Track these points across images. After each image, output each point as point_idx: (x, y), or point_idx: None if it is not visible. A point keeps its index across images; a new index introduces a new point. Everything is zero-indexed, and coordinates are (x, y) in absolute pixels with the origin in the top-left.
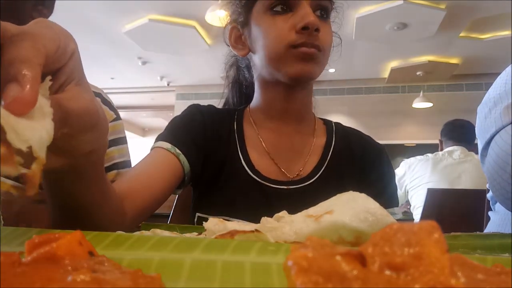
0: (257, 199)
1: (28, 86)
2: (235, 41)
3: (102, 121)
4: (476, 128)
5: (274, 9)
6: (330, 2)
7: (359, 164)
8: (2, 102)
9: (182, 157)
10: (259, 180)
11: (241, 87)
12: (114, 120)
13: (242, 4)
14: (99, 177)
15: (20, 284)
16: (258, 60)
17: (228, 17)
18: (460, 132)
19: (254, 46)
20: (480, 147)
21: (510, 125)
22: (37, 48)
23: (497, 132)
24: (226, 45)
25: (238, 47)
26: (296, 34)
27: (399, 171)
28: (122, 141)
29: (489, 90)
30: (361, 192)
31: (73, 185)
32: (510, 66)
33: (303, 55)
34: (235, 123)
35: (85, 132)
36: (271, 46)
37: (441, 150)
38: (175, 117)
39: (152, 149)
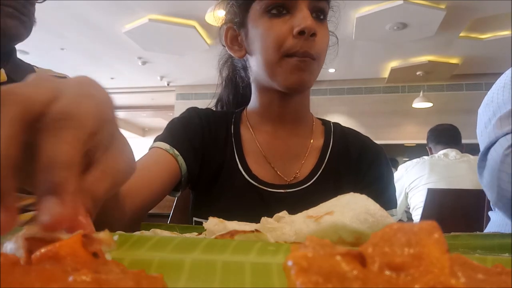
0: (254, 203)
1: (68, 203)
2: (231, 41)
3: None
4: (477, 131)
5: (272, 12)
6: (327, 3)
7: (357, 165)
8: (39, 218)
9: (180, 159)
10: (256, 184)
11: (237, 87)
12: None
13: (238, 4)
14: None
15: (20, 284)
16: (254, 63)
17: (224, 17)
18: (446, 136)
19: (251, 49)
20: (479, 155)
21: (503, 137)
22: (79, 142)
23: (492, 144)
24: (222, 46)
25: (234, 48)
26: (292, 39)
27: (396, 175)
28: None
29: (488, 93)
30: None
31: None
32: (508, 71)
33: (297, 65)
34: (232, 126)
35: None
36: (267, 52)
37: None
38: (174, 119)
39: (150, 148)
